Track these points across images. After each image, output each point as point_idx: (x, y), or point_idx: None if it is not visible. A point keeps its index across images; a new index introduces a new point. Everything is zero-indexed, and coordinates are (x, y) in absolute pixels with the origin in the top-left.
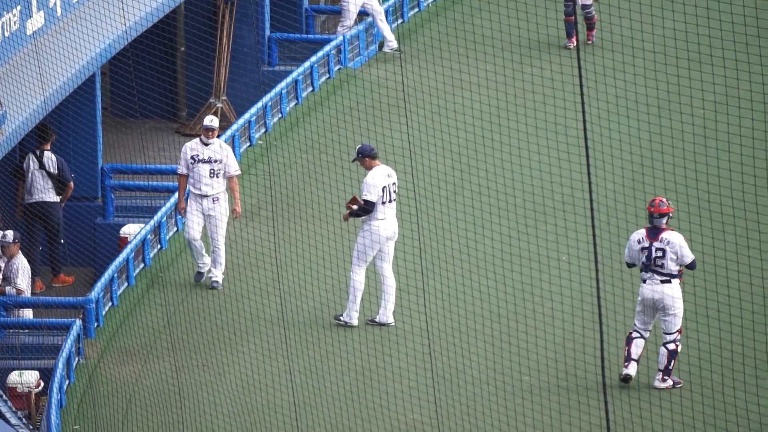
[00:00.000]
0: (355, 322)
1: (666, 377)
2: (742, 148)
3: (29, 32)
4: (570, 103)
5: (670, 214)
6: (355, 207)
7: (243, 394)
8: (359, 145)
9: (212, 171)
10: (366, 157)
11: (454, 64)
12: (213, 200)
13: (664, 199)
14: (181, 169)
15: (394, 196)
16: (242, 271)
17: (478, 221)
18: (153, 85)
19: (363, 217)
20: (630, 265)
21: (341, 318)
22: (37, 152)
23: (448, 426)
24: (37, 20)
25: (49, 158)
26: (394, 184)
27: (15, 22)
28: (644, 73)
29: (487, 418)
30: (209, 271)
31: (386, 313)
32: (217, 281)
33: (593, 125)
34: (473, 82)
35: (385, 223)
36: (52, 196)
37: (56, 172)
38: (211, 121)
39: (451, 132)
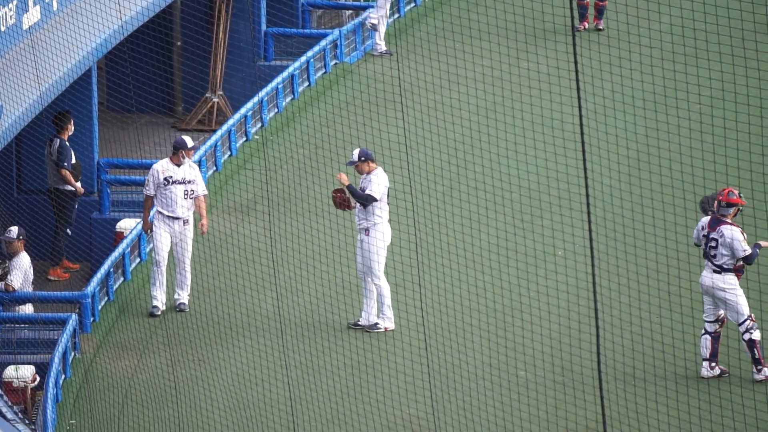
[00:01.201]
0: (393, 325)
1: (758, 367)
2: (738, 143)
3: (25, 27)
4: (566, 99)
5: (740, 207)
6: (345, 177)
7: (239, 389)
8: (359, 149)
9: (186, 192)
10: (369, 160)
11: (450, 60)
12: (184, 222)
13: (735, 191)
14: (150, 190)
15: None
16: (238, 266)
17: (474, 216)
18: (149, 80)
19: (366, 223)
20: (697, 245)
21: (380, 327)
22: (50, 140)
23: (444, 421)
24: (33, 15)
25: (55, 146)
26: (387, 187)
27: (11, 17)
28: (640, 68)
29: (483, 413)
30: (175, 294)
31: (369, 318)
32: (184, 303)
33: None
34: (469, 77)
35: (387, 226)
36: (62, 185)
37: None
38: (191, 141)
39: (447, 127)
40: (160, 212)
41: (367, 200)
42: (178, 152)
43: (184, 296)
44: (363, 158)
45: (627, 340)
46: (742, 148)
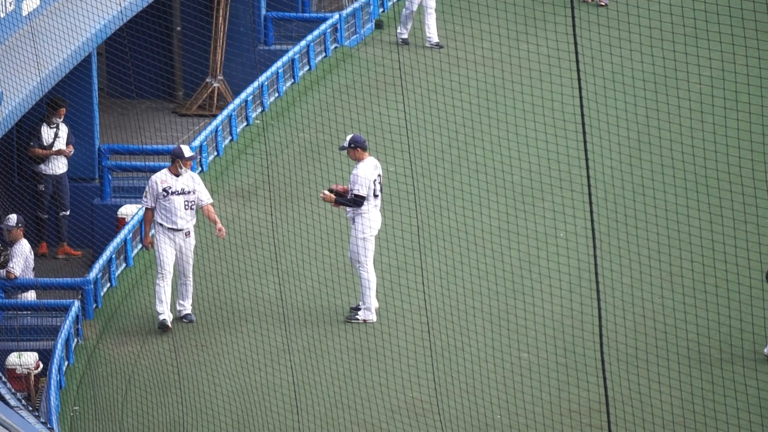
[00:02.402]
0: (375, 317)
1: None
2: (739, 123)
3: (25, 13)
4: (566, 80)
5: None
6: (334, 195)
7: (242, 373)
8: (352, 135)
9: (187, 203)
10: (359, 147)
11: (450, 42)
12: (186, 234)
13: None
14: (148, 202)
15: (379, 188)
16: (240, 251)
17: (476, 199)
18: (149, 65)
19: (351, 214)
20: None
21: (358, 317)
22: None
23: (446, 403)
24: (32, 1)
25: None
26: (380, 176)
27: (11, 3)
28: (641, 48)
29: (486, 396)
30: (178, 306)
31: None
32: (189, 314)
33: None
34: (469, 60)
35: (376, 214)
36: (46, 168)
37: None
38: (189, 150)
39: (447, 110)
40: (161, 224)
41: (357, 202)
42: (175, 162)
43: (188, 306)
44: (353, 145)
45: (629, 321)
46: (743, 128)
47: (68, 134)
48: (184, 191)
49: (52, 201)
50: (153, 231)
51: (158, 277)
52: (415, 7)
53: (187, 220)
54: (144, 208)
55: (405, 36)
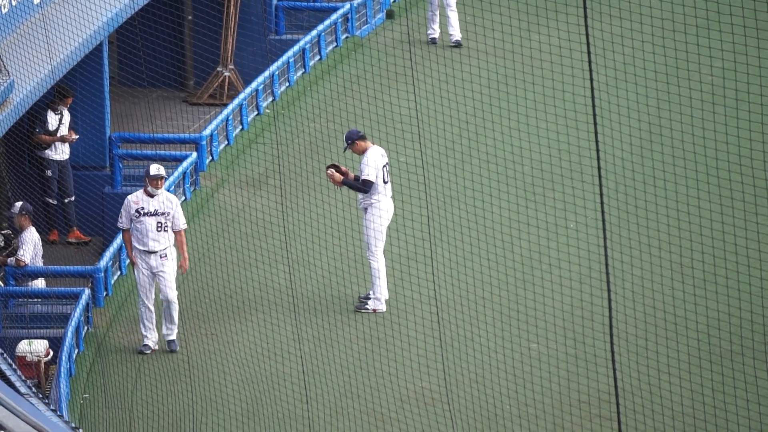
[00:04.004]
0: (385, 307)
1: None
2: (751, 114)
3: (36, 1)
4: (577, 71)
5: None
6: (338, 175)
7: (252, 362)
8: (346, 133)
9: (159, 224)
10: (356, 140)
11: (461, 32)
12: (161, 257)
13: None
14: (123, 224)
15: (388, 176)
16: (250, 240)
17: (486, 189)
18: (160, 54)
19: (364, 203)
20: None
21: (368, 307)
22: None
23: (456, 393)
24: None
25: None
26: (388, 164)
27: None
28: (652, 39)
29: (496, 386)
30: (165, 329)
31: (384, 292)
32: (173, 340)
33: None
34: (481, 51)
35: (388, 203)
36: (53, 154)
37: None
38: (158, 169)
39: (458, 100)
40: (137, 247)
41: (365, 187)
42: (153, 181)
43: (173, 332)
44: (350, 141)
45: (639, 312)
46: (755, 120)
47: (70, 121)
48: (157, 212)
49: (59, 187)
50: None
51: (139, 303)
52: (436, 1)
53: (159, 242)
54: (121, 231)
55: (435, 35)
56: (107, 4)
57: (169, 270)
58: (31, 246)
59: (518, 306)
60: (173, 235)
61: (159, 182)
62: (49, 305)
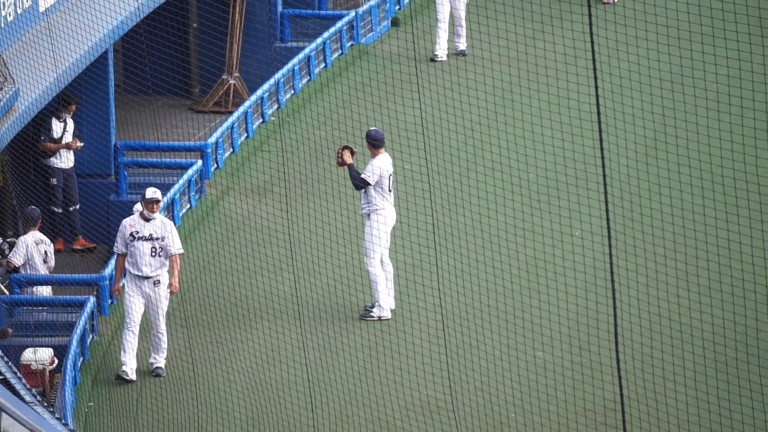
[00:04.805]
0: (389, 314)
1: None
2: (756, 122)
3: (42, 9)
4: (583, 78)
5: None
6: (349, 157)
7: (257, 370)
8: (371, 129)
9: (154, 249)
10: (369, 142)
11: (466, 39)
12: (154, 282)
13: None
14: (118, 248)
15: (393, 185)
16: (255, 248)
17: (491, 197)
18: (166, 62)
19: (367, 208)
20: None
21: (373, 314)
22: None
23: (461, 401)
24: None
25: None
26: (393, 174)
27: (27, 0)
28: (657, 47)
29: (501, 394)
30: (150, 358)
31: (389, 300)
32: (160, 368)
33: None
34: (486, 58)
35: (391, 210)
36: (58, 162)
37: None
38: (154, 193)
39: (463, 107)
40: (130, 272)
41: (360, 183)
42: (149, 205)
43: (160, 360)
44: (368, 139)
45: (645, 320)
46: (760, 127)
47: (74, 128)
48: (151, 237)
49: (64, 195)
50: (124, 279)
51: (125, 328)
52: (442, 17)
53: (153, 268)
54: (116, 255)
55: (441, 54)
56: (113, 11)
57: (160, 297)
58: (23, 248)
59: (523, 314)
60: (167, 260)
61: (155, 206)
62: (55, 313)
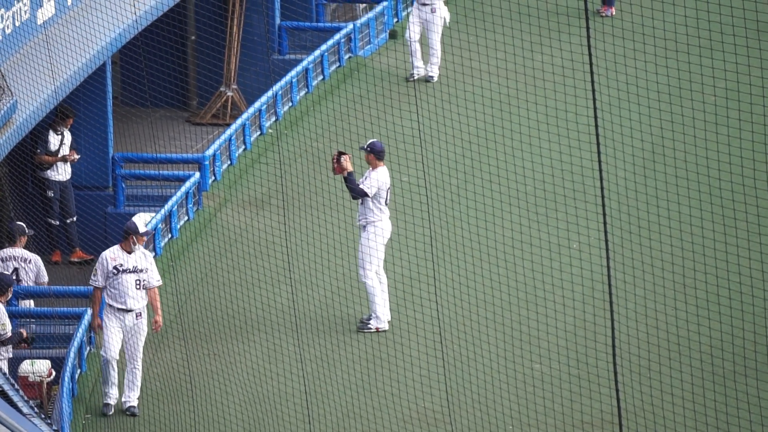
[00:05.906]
0: (387, 325)
1: None
2: (754, 135)
3: (40, 22)
4: (581, 91)
5: None
6: (349, 165)
7: (254, 382)
8: (372, 141)
9: (138, 282)
10: (372, 153)
11: (464, 52)
12: (137, 315)
13: None
14: (98, 281)
15: (389, 199)
16: (253, 260)
17: (489, 209)
18: (164, 74)
19: (364, 219)
20: None
21: (370, 326)
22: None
23: (459, 414)
24: (47, 10)
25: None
26: (391, 186)
27: (25, 12)
28: (655, 60)
29: (498, 406)
30: (123, 396)
31: (385, 311)
32: (134, 406)
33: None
34: (483, 70)
35: (387, 223)
36: (54, 174)
37: None
38: (146, 225)
39: (461, 120)
40: (111, 305)
41: (357, 194)
42: (129, 238)
43: (133, 398)
44: (369, 149)
45: (642, 332)
46: (758, 140)
47: (71, 140)
48: (136, 269)
49: (60, 207)
50: (102, 313)
51: (103, 362)
52: (413, 36)
53: (138, 300)
54: (93, 288)
55: (417, 72)
56: (111, 24)
57: (141, 330)
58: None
59: (521, 326)
60: (146, 293)
61: (143, 239)
62: (52, 325)
